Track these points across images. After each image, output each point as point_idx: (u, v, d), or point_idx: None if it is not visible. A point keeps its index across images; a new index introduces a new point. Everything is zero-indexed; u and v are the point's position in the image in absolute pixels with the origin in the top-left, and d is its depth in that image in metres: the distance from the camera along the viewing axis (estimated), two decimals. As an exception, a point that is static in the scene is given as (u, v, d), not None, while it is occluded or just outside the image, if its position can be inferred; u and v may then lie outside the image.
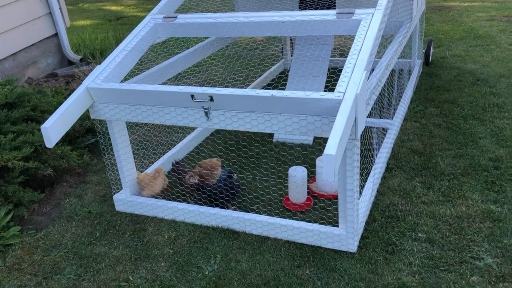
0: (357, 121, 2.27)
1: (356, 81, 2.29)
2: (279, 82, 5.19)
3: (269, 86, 5.13)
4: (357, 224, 2.58)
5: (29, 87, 5.65)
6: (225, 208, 2.96)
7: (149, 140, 4.18)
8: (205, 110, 2.57)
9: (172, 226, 2.99)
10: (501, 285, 2.30)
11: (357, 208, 2.53)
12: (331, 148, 1.99)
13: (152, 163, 3.65)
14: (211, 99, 2.52)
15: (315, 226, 2.66)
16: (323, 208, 3.02)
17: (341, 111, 2.15)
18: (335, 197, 3.07)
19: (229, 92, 2.48)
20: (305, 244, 2.70)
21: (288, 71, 4.96)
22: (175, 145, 3.92)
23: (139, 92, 2.69)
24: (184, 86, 2.60)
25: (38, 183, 3.50)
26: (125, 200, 3.14)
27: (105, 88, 2.77)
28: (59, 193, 3.53)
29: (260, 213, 2.94)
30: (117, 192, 3.23)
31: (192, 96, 2.55)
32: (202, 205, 3.01)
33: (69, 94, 4.79)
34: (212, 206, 2.99)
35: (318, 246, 2.67)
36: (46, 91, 4.59)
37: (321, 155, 3.18)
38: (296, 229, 2.69)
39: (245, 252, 2.69)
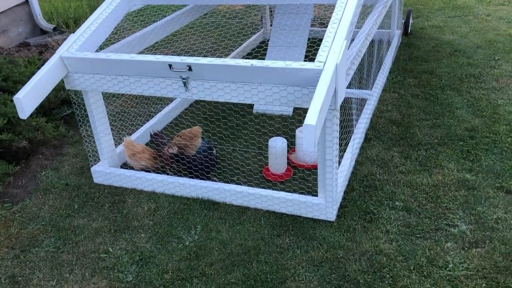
0: (337, 91, 2.27)
1: (336, 51, 2.27)
2: (258, 52, 5.13)
3: (249, 56, 5.07)
4: (336, 194, 2.61)
5: (-1, 56, 5.46)
6: (204, 179, 2.95)
7: (127, 111, 4.11)
8: (184, 80, 2.53)
9: (152, 197, 2.97)
10: (474, 250, 2.37)
11: (336, 178, 2.55)
12: (311, 118, 1.98)
13: (130, 134, 3.60)
14: (190, 69, 2.47)
15: (295, 196, 2.68)
16: (302, 178, 3.04)
17: (321, 81, 2.14)
18: (314, 167, 3.09)
19: (207, 61, 2.44)
20: (285, 214, 2.72)
21: (267, 41, 4.90)
22: (153, 116, 3.87)
23: (115, 61, 2.62)
24: (162, 56, 2.54)
25: (13, 156, 3.42)
26: (103, 172, 3.10)
27: (79, 58, 2.69)
28: (35, 166, 3.47)
29: (240, 184, 2.95)
30: (95, 164, 3.19)
31: (170, 65, 2.50)
32: (181, 176, 3.00)
33: (43, 64, 4.63)
34: (191, 177, 2.98)
35: (297, 216, 2.70)
36: (18, 61, 4.44)
37: (301, 125, 3.18)
38: (276, 199, 2.71)
39: (226, 222, 2.71)
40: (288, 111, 3.86)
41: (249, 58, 4.40)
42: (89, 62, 2.68)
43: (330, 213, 2.62)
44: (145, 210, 2.87)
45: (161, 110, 3.93)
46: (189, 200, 2.92)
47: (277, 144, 2.96)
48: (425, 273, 2.26)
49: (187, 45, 5.33)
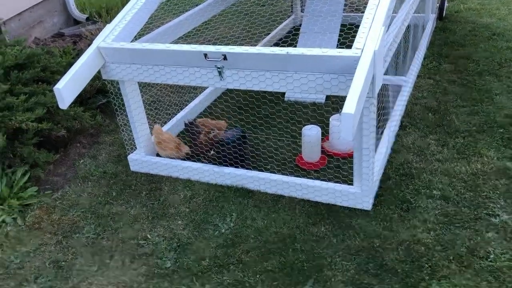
0: (375, 78, 2.23)
1: (374, 38, 2.23)
2: (290, 39, 5.08)
3: (284, 44, 5.03)
4: (372, 182, 2.59)
5: (37, 47, 5.59)
6: (238, 167, 2.96)
7: (161, 100, 4.15)
8: (219, 70, 2.53)
9: (187, 185, 3.01)
10: (516, 241, 2.32)
11: (372, 166, 2.53)
12: (349, 106, 1.96)
13: (165, 123, 3.64)
14: (225, 58, 2.48)
15: (330, 184, 2.67)
16: (337, 166, 3.02)
17: (359, 69, 2.11)
18: (349, 156, 3.07)
19: (243, 50, 2.43)
20: (319, 203, 2.72)
21: (298, 27, 4.85)
22: (187, 105, 3.90)
23: (151, 51, 2.64)
24: (197, 45, 2.55)
25: (52, 144, 3.52)
26: (140, 160, 3.16)
27: (116, 48, 2.73)
28: (73, 154, 3.56)
29: (274, 173, 2.95)
30: (132, 152, 3.25)
31: (205, 55, 2.51)
32: (216, 164, 3.02)
33: (77, 54, 4.74)
34: (225, 165, 2.99)
35: (333, 204, 2.69)
36: (54, 51, 4.54)
37: (335, 113, 3.15)
38: (311, 188, 2.70)
39: (260, 210, 2.72)
40: (321, 99, 3.83)
41: (279, 45, 4.38)
42: (125, 52, 2.71)
43: (366, 202, 2.60)
44: (181, 198, 2.92)
45: (194, 99, 3.96)
46: (223, 188, 2.94)
47: (311, 132, 2.94)
48: (465, 263, 2.23)
49: (219, 33, 5.33)
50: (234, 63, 2.49)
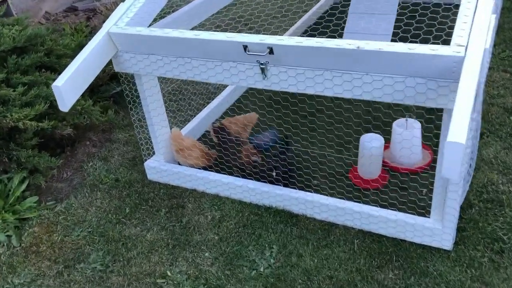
0: (480, 86, 1.63)
1: (482, 30, 1.61)
2: (333, 20, 4.42)
3: (318, 25, 4.38)
4: (457, 215, 2.00)
5: (46, 23, 5.05)
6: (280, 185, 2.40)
7: (183, 88, 3.58)
8: (262, 66, 1.95)
9: (216, 203, 2.47)
10: None
11: (460, 195, 1.94)
12: (458, 133, 1.37)
13: (188, 121, 3.08)
14: (271, 52, 1.89)
15: (400, 215, 2.09)
16: (400, 184, 2.42)
17: (466, 75, 1.50)
18: (414, 171, 2.48)
19: (295, 42, 1.84)
20: (384, 236, 2.15)
21: (339, 6, 4.19)
22: (212, 98, 3.32)
23: (175, 40, 2.06)
24: (235, 34, 1.96)
25: (57, 143, 3.01)
26: (159, 169, 2.62)
27: (131, 34, 2.15)
28: (81, 154, 3.04)
29: (318, 189, 2.39)
30: (149, 158, 2.71)
31: (245, 47, 1.92)
32: (251, 179, 2.46)
33: (91, 32, 4.18)
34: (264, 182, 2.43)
35: (401, 240, 2.12)
36: (65, 27, 3.99)
37: (399, 118, 2.55)
38: (373, 218, 2.13)
39: (308, 243, 2.17)
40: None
41: (318, 28, 3.74)
42: (142, 40, 2.14)
43: (447, 241, 2.02)
44: (209, 220, 2.38)
45: (222, 90, 3.38)
46: (260, 209, 2.39)
47: (373, 144, 2.36)
48: None
49: (249, 11, 4.69)
50: (282, 58, 1.90)
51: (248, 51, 1.92)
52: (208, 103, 3.26)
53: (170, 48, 2.10)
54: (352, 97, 1.86)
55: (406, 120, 2.49)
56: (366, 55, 1.73)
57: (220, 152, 2.61)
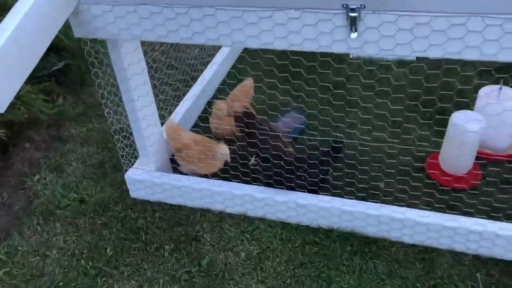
0: None
1: None
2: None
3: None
4: None
5: None
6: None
7: (162, 60, 2.62)
8: (352, 14, 1.13)
9: (246, 228, 1.67)
10: None
11: None
12: None
13: (178, 102, 2.20)
14: (372, -12, 1.08)
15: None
16: (498, 176, 1.74)
17: None
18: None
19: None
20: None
21: None
22: (206, 64, 2.43)
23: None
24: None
25: (-19, 150, 2.03)
26: (149, 182, 1.75)
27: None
28: (20, 163, 2.08)
29: (387, 194, 1.66)
30: (130, 166, 1.82)
31: (328, -20, 1.09)
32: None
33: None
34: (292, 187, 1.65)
35: (539, 268, 1.46)
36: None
37: (488, 84, 1.86)
38: (500, 238, 1.44)
39: (407, 285, 1.44)
40: (410, 56, 2.46)
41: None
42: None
43: None
44: (242, 258, 1.58)
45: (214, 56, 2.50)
46: (317, 234, 1.62)
47: (471, 126, 1.63)
48: None
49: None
50: (389, 1, 1.10)
51: (330, -11, 1.10)
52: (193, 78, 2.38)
53: (179, -10, 1.22)
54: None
55: (500, 88, 1.79)
56: None
57: (245, 148, 1.78)
